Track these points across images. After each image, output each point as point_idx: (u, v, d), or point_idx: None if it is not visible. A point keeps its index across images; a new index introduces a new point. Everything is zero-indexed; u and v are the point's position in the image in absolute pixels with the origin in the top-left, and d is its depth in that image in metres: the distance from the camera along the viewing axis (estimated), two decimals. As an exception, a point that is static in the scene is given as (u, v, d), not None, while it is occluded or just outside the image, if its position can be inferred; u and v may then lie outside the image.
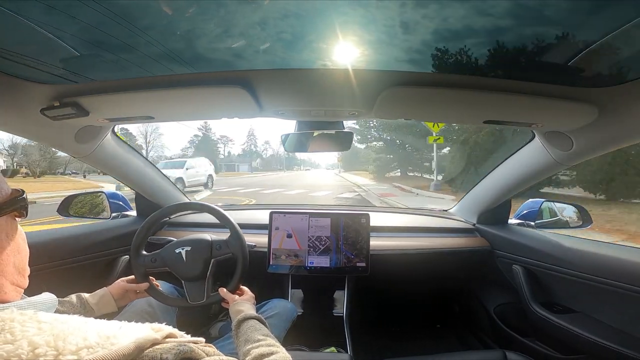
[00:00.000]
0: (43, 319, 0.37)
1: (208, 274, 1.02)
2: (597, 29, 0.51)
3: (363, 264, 1.36)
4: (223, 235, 1.15)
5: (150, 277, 1.05)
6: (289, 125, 1.12)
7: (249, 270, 1.03)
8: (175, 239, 1.12)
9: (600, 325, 1.09)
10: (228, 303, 0.94)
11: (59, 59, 0.66)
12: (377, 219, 1.55)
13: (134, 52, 0.64)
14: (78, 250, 1.24)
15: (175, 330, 0.45)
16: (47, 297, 0.50)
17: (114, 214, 1.58)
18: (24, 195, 0.49)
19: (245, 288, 1.02)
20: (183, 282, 1.03)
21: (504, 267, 1.47)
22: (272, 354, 0.66)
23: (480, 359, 1.08)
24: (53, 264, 1.15)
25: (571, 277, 1.16)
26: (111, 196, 1.61)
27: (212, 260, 1.03)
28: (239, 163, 63.00)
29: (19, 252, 0.48)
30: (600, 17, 0.49)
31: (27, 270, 0.50)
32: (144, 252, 1.08)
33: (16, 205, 0.47)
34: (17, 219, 0.49)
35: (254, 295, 1.00)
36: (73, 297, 0.86)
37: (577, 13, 0.49)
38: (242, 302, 0.91)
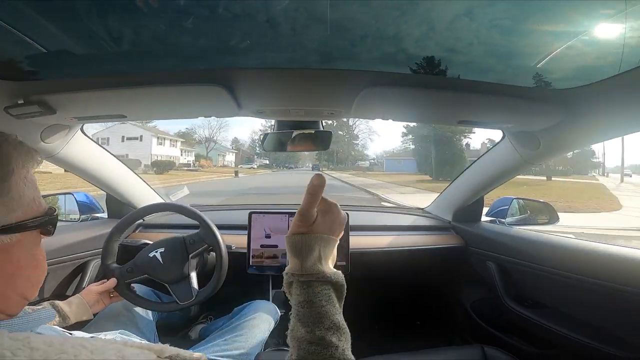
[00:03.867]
0: (35, 346, 0.35)
1: (189, 271, 1.01)
2: (563, 32, 0.54)
3: (343, 263, 1.36)
4: None
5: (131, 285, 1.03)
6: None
7: (227, 272, 1.02)
8: (149, 242, 1.09)
9: (568, 318, 1.13)
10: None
11: (25, 55, 0.62)
12: (355, 218, 1.56)
13: (106, 49, 0.61)
14: (46, 254, 1.17)
15: (176, 353, 0.42)
16: (45, 313, 0.50)
17: (83, 216, 1.51)
18: (55, 214, 0.49)
19: (330, 202, 0.56)
20: (168, 285, 1.01)
21: (478, 264, 1.52)
22: None
23: (460, 354, 1.11)
24: None
25: (540, 272, 1.21)
26: (80, 198, 1.54)
27: (190, 256, 1.02)
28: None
29: (36, 268, 0.48)
30: (566, 23, 0.52)
31: (39, 285, 0.50)
32: (117, 265, 1.04)
33: (45, 223, 0.47)
34: (42, 236, 0.49)
35: (339, 221, 0.56)
36: (46, 305, 0.82)
37: (545, 17, 0.51)
38: (296, 246, 0.51)
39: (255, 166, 47.08)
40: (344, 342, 0.46)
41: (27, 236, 0.44)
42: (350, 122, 46.46)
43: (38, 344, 0.35)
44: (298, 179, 21.38)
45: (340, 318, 0.48)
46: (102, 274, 1.04)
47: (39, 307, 0.50)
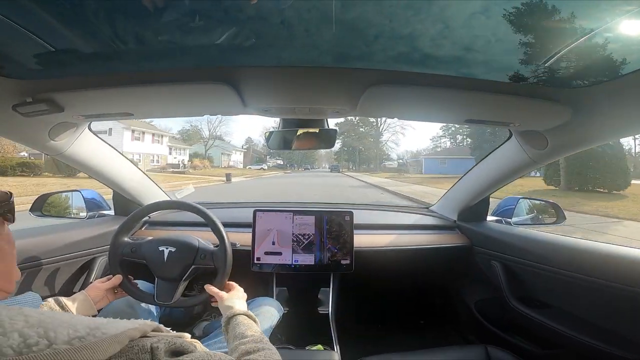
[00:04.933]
0: (29, 314, 0.37)
1: (182, 278, 1.01)
2: (572, 31, 0.53)
3: (347, 261, 1.36)
4: (207, 234, 1.13)
5: (129, 276, 1.03)
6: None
7: (233, 269, 1.03)
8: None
9: (574, 319, 1.12)
10: (217, 301, 0.94)
11: (33, 54, 0.63)
12: (360, 217, 1.56)
13: (113, 47, 0.61)
14: (54, 251, 1.19)
15: (162, 326, 0.46)
16: (31, 297, 0.49)
17: (90, 214, 1.53)
18: (11, 200, 0.47)
19: (233, 283, 1.02)
20: (156, 279, 1.02)
21: (483, 263, 1.51)
22: (258, 350, 0.66)
23: (463, 354, 1.11)
24: (27, 265, 1.10)
25: (546, 272, 1.20)
26: (88, 195, 1.56)
27: (193, 266, 1.02)
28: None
29: (3, 259, 0.46)
30: (576, 21, 0.51)
31: (16, 274, 0.48)
32: (127, 239, 1.05)
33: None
34: (5, 223, 0.47)
35: (242, 290, 1.01)
36: (51, 302, 0.84)
37: (553, 16, 0.51)
38: (232, 299, 0.92)
39: (266, 167, 43.28)
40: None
41: None
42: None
43: (31, 312, 0.37)
44: (315, 185, 15.16)
45: (256, 327, 0.79)
46: (109, 271, 1.05)
47: (28, 294, 0.50)
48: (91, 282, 1.28)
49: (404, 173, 33.10)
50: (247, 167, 41.52)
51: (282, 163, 49.68)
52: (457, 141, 44.16)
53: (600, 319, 1.06)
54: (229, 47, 0.62)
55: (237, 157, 46.21)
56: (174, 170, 25.65)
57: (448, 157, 31.28)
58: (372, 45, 0.61)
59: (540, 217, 1.61)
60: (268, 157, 50.55)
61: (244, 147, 52.18)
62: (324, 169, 50.75)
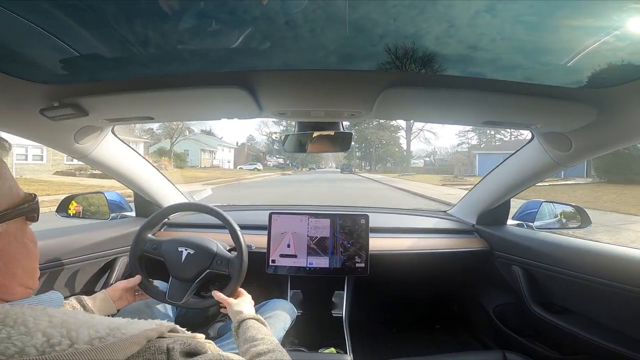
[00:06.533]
0: (52, 314, 0.38)
1: (195, 280, 1.03)
2: (596, 29, 0.51)
3: (362, 265, 1.36)
4: (223, 236, 1.14)
5: (151, 280, 1.06)
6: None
7: (248, 271, 1.04)
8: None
9: (597, 325, 1.09)
10: (225, 307, 0.95)
11: (59, 59, 0.66)
12: (376, 220, 1.55)
13: (134, 52, 0.63)
14: (76, 251, 1.23)
15: (178, 327, 0.47)
16: (54, 295, 0.51)
17: (112, 215, 1.58)
18: (36, 200, 0.49)
19: (241, 290, 1.02)
20: (170, 277, 1.04)
21: (503, 268, 1.47)
22: (269, 352, 0.67)
23: (481, 359, 1.08)
24: (51, 265, 1.14)
25: (569, 278, 1.16)
26: (110, 197, 1.61)
27: (208, 270, 1.03)
28: None
29: (28, 256, 0.48)
30: (600, 19, 0.49)
31: (37, 272, 0.51)
32: (149, 236, 1.09)
33: (26, 210, 0.47)
34: (28, 222, 0.49)
35: (250, 296, 1.01)
36: (73, 300, 0.87)
37: (574, 12, 0.49)
38: (241, 303, 0.92)
39: (260, 167, 36.32)
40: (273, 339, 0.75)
41: (10, 226, 0.44)
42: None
43: (54, 312, 0.39)
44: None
45: (266, 331, 0.79)
46: (130, 271, 1.08)
47: (51, 293, 0.53)
48: (112, 282, 1.32)
49: (459, 176, 22.02)
50: (238, 168, 34.52)
51: (283, 162, 43.31)
52: (486, 137, 40.64)
53: (625, 325, 1.02)
54: (244, 51, 0.63)
55: (224, 155, 37.91)
56: (94, 173, 14.19)
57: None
58: (378, 45, 0.61)
59: (564, 221, 1.55)
60: (268, 155, 45.18)
61: (239, 144, 45.47)
62: (331, 169, 45.79)
